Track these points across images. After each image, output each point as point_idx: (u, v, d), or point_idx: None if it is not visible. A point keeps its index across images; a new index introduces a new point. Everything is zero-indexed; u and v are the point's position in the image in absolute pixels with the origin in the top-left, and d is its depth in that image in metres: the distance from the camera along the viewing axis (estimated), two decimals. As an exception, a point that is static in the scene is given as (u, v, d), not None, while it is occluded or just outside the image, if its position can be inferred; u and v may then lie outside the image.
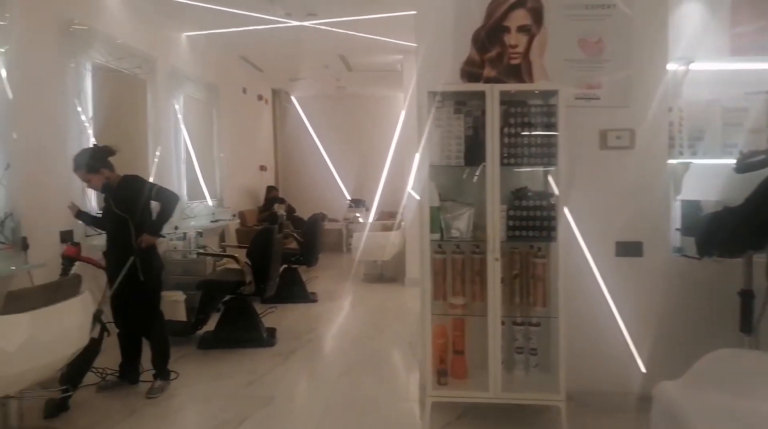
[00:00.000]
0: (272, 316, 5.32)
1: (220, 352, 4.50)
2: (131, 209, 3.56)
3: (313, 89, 10.23)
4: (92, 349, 3.27)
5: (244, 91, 8.46)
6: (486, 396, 3.09)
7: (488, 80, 3.37)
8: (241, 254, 5.05)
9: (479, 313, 3.24)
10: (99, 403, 3.49)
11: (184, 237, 5.57)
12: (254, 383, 3.83)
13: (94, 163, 3.51)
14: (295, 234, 6.79)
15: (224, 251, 5.95)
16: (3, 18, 3.44)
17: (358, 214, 9.89)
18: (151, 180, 5.33)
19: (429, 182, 3.13)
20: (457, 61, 3.43)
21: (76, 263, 3.71)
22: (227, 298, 4.80)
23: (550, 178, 3.20)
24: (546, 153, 3.09)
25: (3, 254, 3.43)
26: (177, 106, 6.05)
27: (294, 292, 6.29)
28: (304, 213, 8.92)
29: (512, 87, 3.21)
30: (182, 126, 6.13)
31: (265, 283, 4.68)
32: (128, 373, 3.71)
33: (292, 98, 10.60)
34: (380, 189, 10.12)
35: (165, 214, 3.66)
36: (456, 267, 3.30)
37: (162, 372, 3.71)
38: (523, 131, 3.10)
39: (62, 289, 2.86)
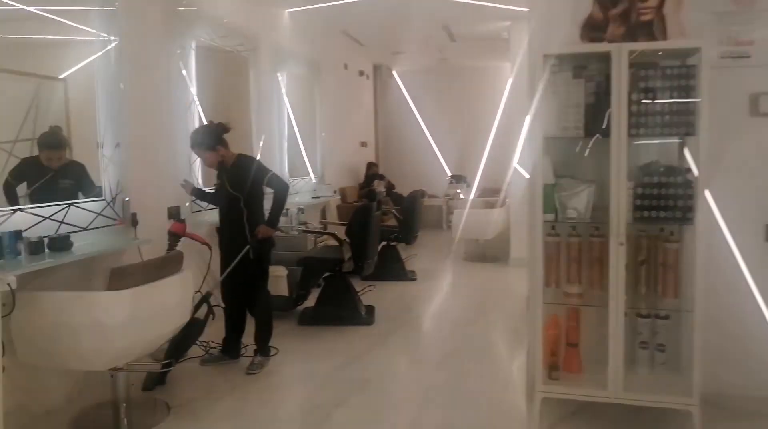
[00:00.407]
0: (371, 294, 5.23)
1: (318, 329, 4.47)
2: (244, 189, 3.57)
3: (414, 63, 9.97)
4: (195, 328, 3.31)
5: (346, 67, 8.38)
6: (604, 395, 2.76)
7: (613, 40, 2.96)
8: (341, 231, 4.97)
9: (597, 303, 2.90)
10: (202, 377, 3.55)
11: (287, 213, 5.58)
12: (351, 364, 3.74)
13: (210, 140, 3.54)
14: (394, 211, 6.64)
15: (324, 228, 5.93)
16: (112, 4, 3.50)
17: (458, 191, 9.58)
18: (258, 157, 5.39)
19: (543, 156, 2.81)
20: (576, 21, 3.04)
21: (182, 239, 3.80)
22: (327, 274, 4.75)
23: (687, 151, 2.76)
24: (682, 122, 2.66)
25: (115, 230, 3.54)
26: (280, 84, 6.05)
27: (393, 270, 6.17)
28: (403, 189, 8.76)
29: (646, 46, 2.77)
30: (285, 103, 6.13)
31: (364, 261, 4.57)
32: (231, 348, 3.75)
33: (393, 73, 10.41)
34: (482, 164, 9.73)
35: (279, 204, 3.65)
36: (571, 251, 2.96)
37: (263, 348, 3.71)
38: (655, 97, 2.68)
39: (164, 266, 2.87)
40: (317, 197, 6.73)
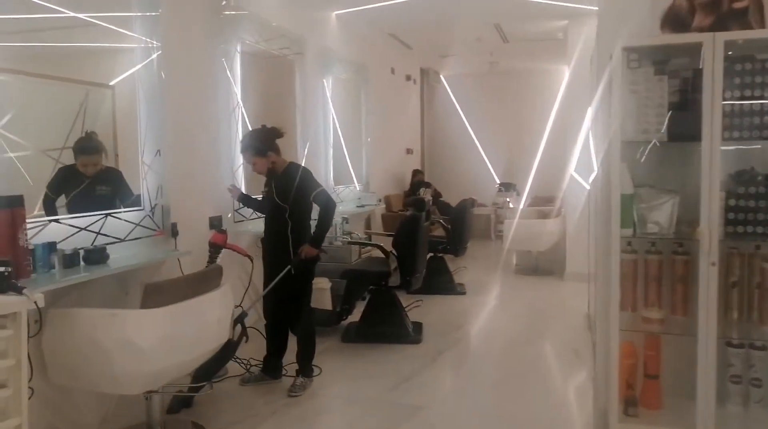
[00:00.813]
0: (418, 310, 4.95)
1: (363, 347, 4.22)
2: (291, 200, 3.37)
3: (463, 66, 9.67)
4: (228, 349, 3.10)
5: (393, 71, 8.16)
6: (691, 437, 2.41)
7: (701, 30, 2.61)
8: (387, 242, 4.73)
9: (681, 331, 2.55)
10: (241, 398, 3.35)
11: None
12: (399, 387, 3.47)
13: (262, 145, 3.35)
14: (441, 220, 6.34)
15: (369, 238, 5.69)
16: (155, 9, 3.37)
17: (508, 199, 9.21)
18: (303, 163, 5.21)
19: (619, 163, 2.48)
20: (654, 13, 2.70)
21: (223, 251, 3.62)
22: (372, 288, 4.50)
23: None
24: (786, 123, 2.30)
25: (154, 241, 3.39)
26: (326, 88, 5.87)
27: (441, 283, 5.87)
28: (450, 197, 8.46)
29: (746, 35, 2.41)
30: (331, 108, 5.95)
31: (411, 275, 4.30)
32: (272, 367, 3.54)
33: (441, 77, 10.13)
34: (533, 172, 9.32)
35: (325, 223, 3.41)
36: (650, 271, 2.63)
37: (305, 369, 3.48)
38: (752, 95, 2.33)
39: (202, 281, 2.68)
40: (362, 206, 6.50)
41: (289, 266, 3.35)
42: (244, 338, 3.37)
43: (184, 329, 2.50)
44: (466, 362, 4.02)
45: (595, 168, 4.22)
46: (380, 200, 6.99)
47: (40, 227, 2.68)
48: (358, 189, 6.70)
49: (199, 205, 3.91)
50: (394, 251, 4.34)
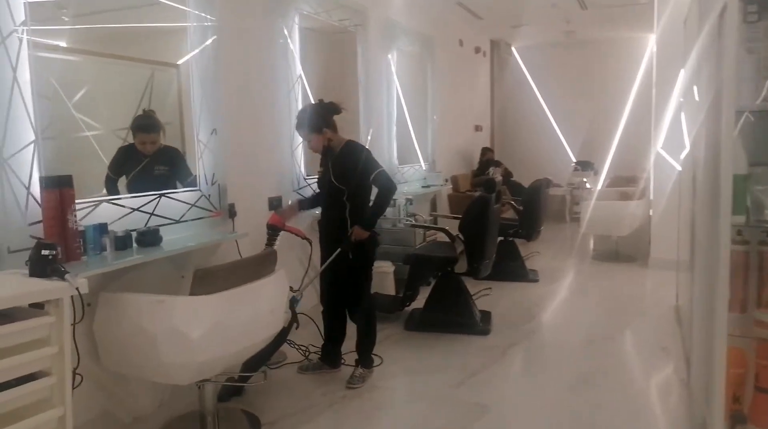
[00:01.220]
0: (487, 298, 4.66)
1: (427, 336, 3.98)
2: (350, 181, 3.13)
3: (537, 37, 9.10)
4: (278, 337, 2.95)
5: (461, 43, 7.76)
6: (815, 465, 2.02)
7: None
8: (453, 226, 4.45)
9: (803, 337, 2.14)
10: (298, 387, 3.20)
11: (394, 204, 5.15)
12: (465, 383, 3.21)
13: (318, 121, 3.10)
14: (513, 202, 5.96)
15: (434, 221, 5.42)
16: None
17: (584, 179, 8.65)
18: (367, 143, 4.99)
19: (732, 138, 2.08)
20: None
21: (281, 233, 3.47)
22: (437, 273, 4.25)
23: None
24: None
25: (211, 222, 3.28)
26: (390, 62, 5.60)
27: (511, 269, 5.52)
28: (522, 177, 8.04)
29: None
30: (395, 82, 5.67)
31: (480, 262, 4.00)
32: (330, 356, 3.38)
33: (513, 49, 9.60)
34: (613, 150, 8.70)
35: (382, 205, 3.16)
36: (766, 265, 2.22)
37: (365, 359, 3.29)
38: None
39: (255, 266, 2.52)
40: (427, 186, 6.23)
41: (339, 249, 3.14)
42: (295, 324, 3.20)
43: (235, 318, 2.35)
44: (538, 358, 3.70)
45: (687, 145, 3.75)
46: (447, 180, 6.69)
47: (92, 208, 2.60)
48: (423, 168, 6.43)
49: (258, 185, 3.78)
50: (460, 235, 4.06)
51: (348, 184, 3.13)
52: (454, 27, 7.54)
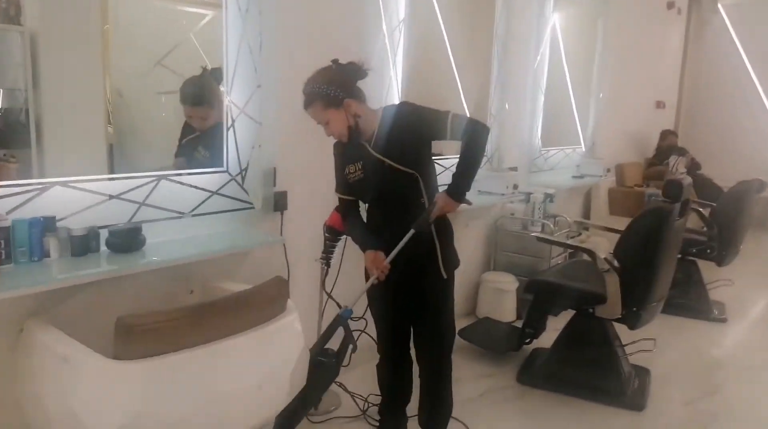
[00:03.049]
0: (648, 345, 3.24)
1: (549, 398, 2.77)
2: (422, 155, 2.03)
3: (756, -11, 6.92)
4: (325, 371, 1.94)
5: (648, -6, 6.02)
6: None
7: None
8: (608, 241, 3.10)
9: None
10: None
11: (528, 199, 3.89)
12: None
13: (334, 90, 1.94)
14: (699, 209, 4.29)
15: (583, 229, 4.03)
16: None
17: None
18: (490, 119, 3.77)
19: None
20: None
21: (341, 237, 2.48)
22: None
23: None
24: None
25: (245, 217, 2.36)
26: (544, 14, 4.22)
27: (687, 299, 3.97)
28: (713, 172, 6.15)
29: None
30: (547, 40, 4.28)
31: (642, 306, 2.65)
32: (390, 419, 2.32)
33: (719, 6, 7.44)
34: None
35: (473, 161, 1.98)
36: None
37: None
38: None
39: (239, 309, 1.53)
40: (580, 177, 4.80)
41: (412, 230, 1.98)
42: (351, 347, 2.15)
43: (182, 402, 1.40)
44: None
45: None
46: (608, 170, 5.16)
47: (35, 193, 1.79)
48: (577, 153, 4.98)
49: (326, 167, 2.77)
50: (615, 262, 2.72)
51: (421, 160, 2.01)
52: (642, -28, 5.84)
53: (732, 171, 6.44)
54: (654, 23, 6.32)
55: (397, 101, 3.01)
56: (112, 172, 2.00)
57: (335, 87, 1.94)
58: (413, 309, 2.13)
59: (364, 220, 2.17)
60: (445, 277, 2.08)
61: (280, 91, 2.41)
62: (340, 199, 2.17)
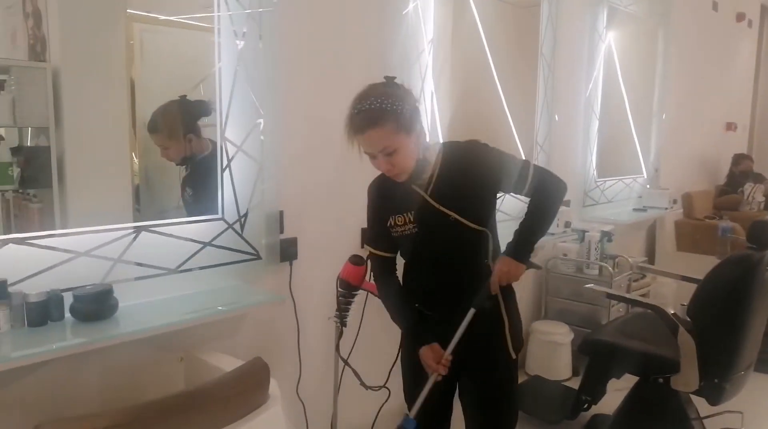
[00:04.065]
0: (730, 420, 2.70)
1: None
2: (492, 213, 1.64)
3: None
4: None
5: (715, 6, 5.47)
6: None
7: None
8: (684, 292, 2.62)
9: None
10: None
11: (582, 238, 3.43)
12: None
13: (413, 112, 1.52)
14: None
15: (641, 275, 3.53)
16: None
17: None
18: (537, 149, 3.36)
19: None
20: None
21: (358, 292, 2.12)
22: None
23: None
24: None
25: (247, 270, 2.05)
26: (598, 24, 3.80)
27: (777, 354, 3.40)
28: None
29: None
30: (600, 57, 3.85)
31: (726, 376, 2.16)
32: None
33: (794, 17, 6.81)
34: None
35: (546, 218, 1.65)
36: None
37: None
38: None
39: (201, 407, 1.19)
40: (643, 209, 4.28)
41: (472, 310, 1.59)
42: None
43: None
44: None
45: None
46: (675, 201, 4.61)
47: (-12, 254, 1.52)
48: (638, 182, 4.47)
49: (343, 210, 2.44)
50: (687, 318, 2.24)
51: (492, 214, 1.63)
52: (706, -18, 5.33)
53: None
54: (722, 37, 5.75)
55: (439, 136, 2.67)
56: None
57: (410, 107, 1.51)
58: (473, 399, 1.73)
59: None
60: (514, 357, 1.69)
61: (285, 125, 2.11)
62: (374, 255, 1.72)
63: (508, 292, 1.68)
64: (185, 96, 1.96)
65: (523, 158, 1.67)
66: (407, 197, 1.59)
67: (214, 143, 1.98)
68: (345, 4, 2.33)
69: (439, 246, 1.61)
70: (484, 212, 1.60)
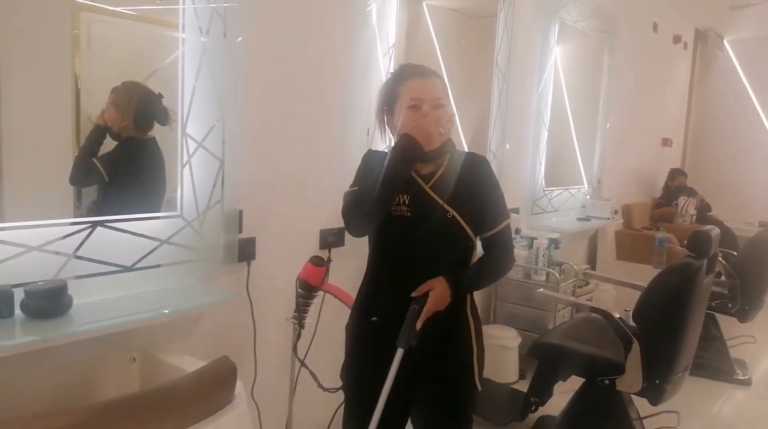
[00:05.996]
0: (667, 420, 2.86)
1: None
2: (481, 225, 1.60)
3: (763, 26, 6.72)
4: None
5: (655, 27, 5.78)
6: None
7: None
8: (627, 298, 2.75)
9: None
10: None
11: (531, 245, 3.54)
12: None
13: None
14: (721, 260, 3.94)
15: (585, 282, 3.68)
16: None
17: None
18: (490, 157, 3.45)
19: None
20: None
21: (317, 294, 2.11)
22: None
23: None
24: None
25: (202, 268, 2.01)
26: (549, 36, 3.94)
27: (706, 357, 3.61)
28: (724, 215, 5.86)
29: None
30: (552, 68, 3.99)
31: (666, 377, 2.29)
32: None
33: (725, 43, 7.25)
34: None
35: (490, 278, 1.71)
36: None
37: None
38: None
39: (164, 408, 1.16)
40: (586, 219, 4.47)
41: (401, 351, 1.51)
42: None
43: None
44: None
45: None
46: (616, 212, 4.83)
47: None
48: (582, 193, 4.66)
49: (303, 211, 2.43)
50: (634, 324, 2.36)
51: (480, 227, 1.61)
52: (648, 4, 5.60)
53: (743, 213, 6.14)
54: (660, 57, 6.09)
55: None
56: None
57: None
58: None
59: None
60: (479, 389, 1.64)
61: (247, 123, 2.09)
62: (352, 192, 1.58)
63: (478, 319, 1.67)
64: (161, 95, 1.89)
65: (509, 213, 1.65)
66: (405, 182, 1.52)
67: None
68: (309, 2, 2.33)
69: (428, 237, 1.55)
70: (478, 222, 1.58)
